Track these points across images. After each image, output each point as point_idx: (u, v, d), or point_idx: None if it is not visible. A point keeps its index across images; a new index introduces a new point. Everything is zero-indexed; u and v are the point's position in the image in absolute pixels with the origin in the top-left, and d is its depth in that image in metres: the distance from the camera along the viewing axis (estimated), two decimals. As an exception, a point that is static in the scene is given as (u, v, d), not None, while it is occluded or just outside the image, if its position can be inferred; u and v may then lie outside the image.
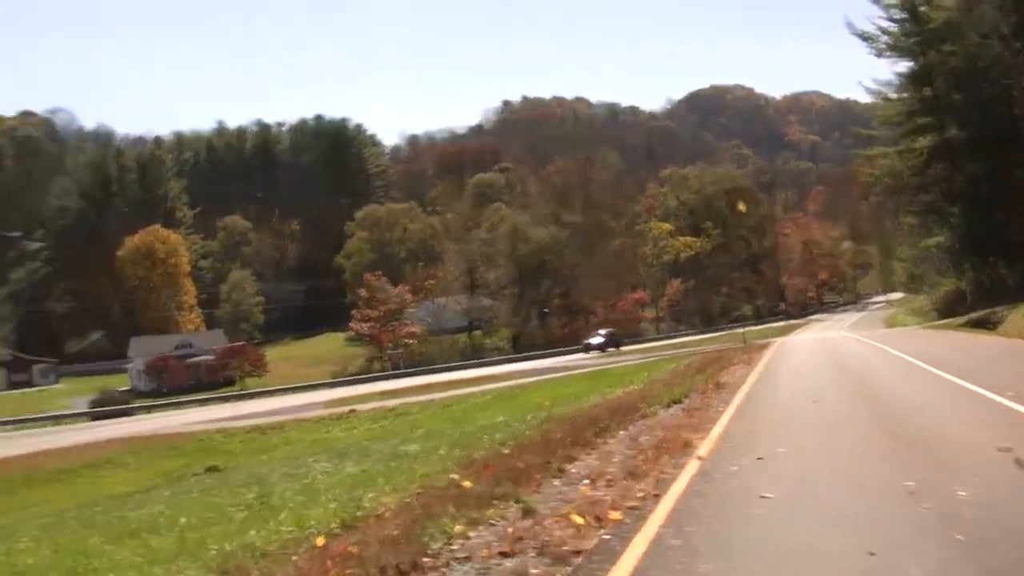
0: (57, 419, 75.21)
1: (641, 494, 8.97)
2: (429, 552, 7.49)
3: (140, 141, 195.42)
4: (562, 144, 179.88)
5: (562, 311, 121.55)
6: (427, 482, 11.04)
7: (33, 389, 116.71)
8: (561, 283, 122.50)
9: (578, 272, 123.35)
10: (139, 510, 17.61)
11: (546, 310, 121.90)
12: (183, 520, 12.81)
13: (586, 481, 9.90)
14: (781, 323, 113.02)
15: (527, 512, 8.44)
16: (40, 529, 17.47)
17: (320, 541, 8.30)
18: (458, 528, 8.04)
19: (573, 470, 10.68)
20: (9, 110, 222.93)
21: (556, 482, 10.05)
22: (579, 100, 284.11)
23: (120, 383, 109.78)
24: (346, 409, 44.52)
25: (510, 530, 8.01)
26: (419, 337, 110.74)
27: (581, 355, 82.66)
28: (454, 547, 7.68)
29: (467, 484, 9.92)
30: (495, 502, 8.86)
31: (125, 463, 35.80)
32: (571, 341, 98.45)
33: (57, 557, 11.59)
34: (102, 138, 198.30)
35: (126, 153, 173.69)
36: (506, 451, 12.77)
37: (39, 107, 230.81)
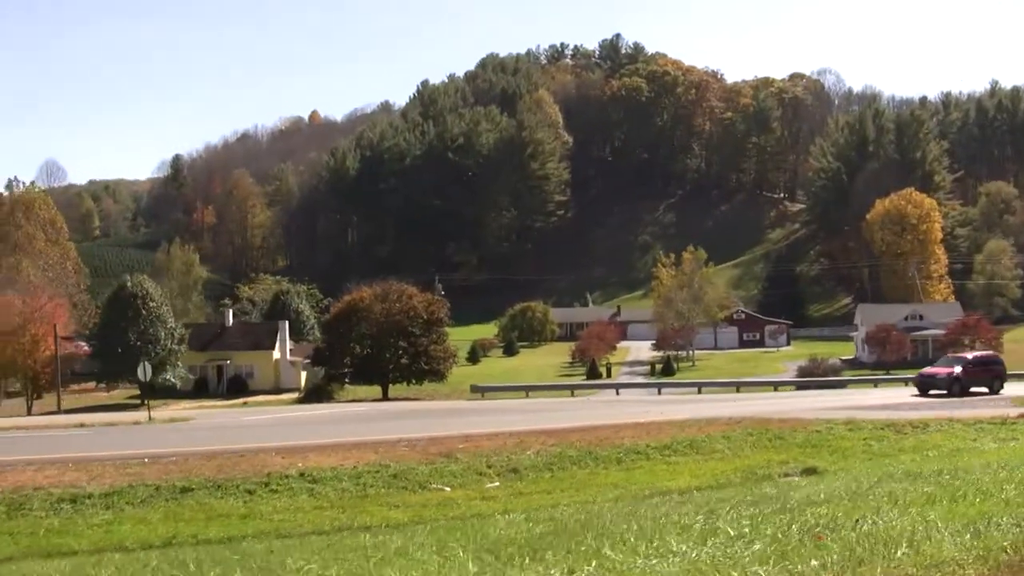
0: (758, 385, 72.08)
1: None
2: None
3: (907, 102, 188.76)
4: None
5: None
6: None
7: (759, 350, 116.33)
8: None
9: None
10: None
11: None
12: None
13: None
14: None
15: None
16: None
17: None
18: None
19: None
20: (780, 72, 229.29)
21: None
22: None
23: (847, 351, 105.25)
24: (1016, 412, 34.93)
25: None
26: None
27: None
28: None
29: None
30: None
31: (713, 449, 30.60)
32: None
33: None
34: (867, 99, 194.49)
35: (885, 114, 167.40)
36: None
37: (808, 68, 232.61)
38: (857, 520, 10.31)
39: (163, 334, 74.93)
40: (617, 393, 67.01)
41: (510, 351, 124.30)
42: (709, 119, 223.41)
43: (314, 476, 23.88)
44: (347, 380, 78.37)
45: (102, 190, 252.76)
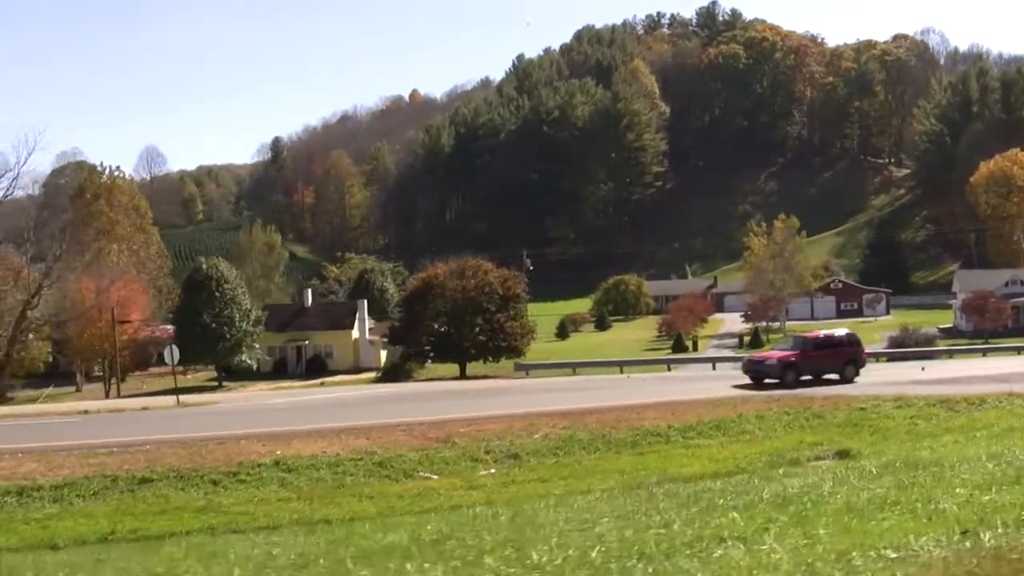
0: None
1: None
2: None
3: (1016, 60, 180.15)
4: None
5: None
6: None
7: (856, 320, 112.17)
8: None
9: None
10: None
11: None
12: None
13: None
14: None
15: None
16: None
17: None
18: None
19: None
20: (882, 34, 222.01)
21: None
22: None
23: (947, 320, 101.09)
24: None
25: None
26: None
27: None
28: None
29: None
30: None
31: (742, 430, 28.81)
32: None
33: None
34: (972, 58, 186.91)
35: (990, 73, 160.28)
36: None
37: (911, 29, 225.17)
38: (755, 532, 9.09)
39: (238, 316, 75.26)
40: (668, 369, 64.59)
41: (601, 325, 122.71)
42: (810, 85, 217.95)
43: (289, 465, 22.97)
44: (429, 358, 77.64)
45: (204, 175, 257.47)
